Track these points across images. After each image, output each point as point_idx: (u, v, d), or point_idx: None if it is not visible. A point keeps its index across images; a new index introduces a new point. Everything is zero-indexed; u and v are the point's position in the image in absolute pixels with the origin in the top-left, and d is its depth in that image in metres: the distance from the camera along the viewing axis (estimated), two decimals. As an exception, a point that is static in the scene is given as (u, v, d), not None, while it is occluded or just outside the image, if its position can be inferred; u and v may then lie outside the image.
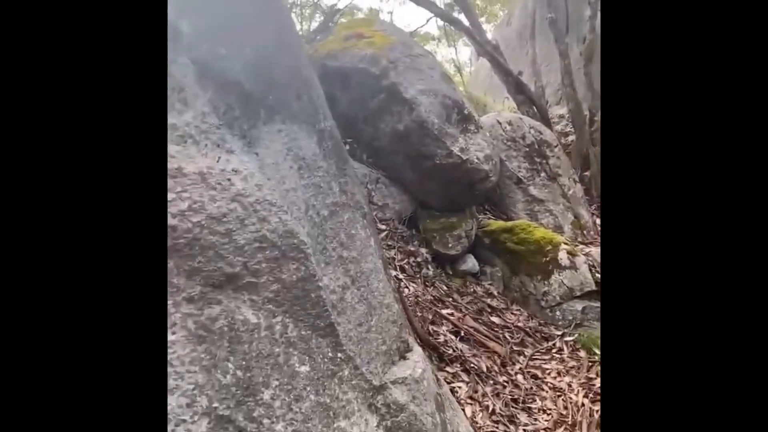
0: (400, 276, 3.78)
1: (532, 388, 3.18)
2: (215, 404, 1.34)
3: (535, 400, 3.08)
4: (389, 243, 4.08)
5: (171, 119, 1.40)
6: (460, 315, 3.70)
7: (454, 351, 3.24)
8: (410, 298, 3.52)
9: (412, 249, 4.21)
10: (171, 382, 1.28)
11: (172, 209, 1.35)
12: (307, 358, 1.60)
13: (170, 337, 1.32)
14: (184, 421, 1.27)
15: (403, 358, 2.13)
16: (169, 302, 1.34)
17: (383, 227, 4.16)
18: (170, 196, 1.35)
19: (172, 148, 1.38)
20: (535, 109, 6.91)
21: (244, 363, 1.43)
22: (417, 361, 2.13)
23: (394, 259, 3.93)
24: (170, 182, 1.35)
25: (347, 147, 3.50)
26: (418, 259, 4.15)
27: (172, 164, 1.37)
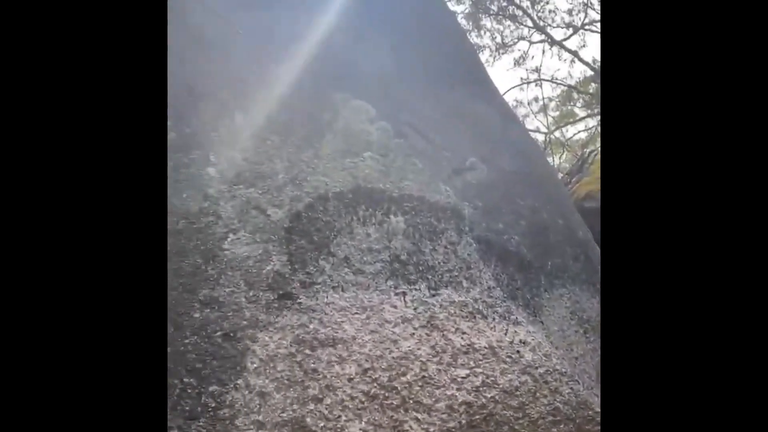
0: None
1: None
2: None
3: None
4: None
5: (459, 297, 1.50)
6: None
7: None
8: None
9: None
10: None
11: (466, 386, 1.39)
12: None
13: None
14: None
15: None
16: (470, 481, 1.34)
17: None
18: (464, 372, 1.40)
19: (462, 324, 1.47)
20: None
21: None
22: None
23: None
24: (463, 358, 1.42)
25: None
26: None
27: (463, 340, 1.44)
